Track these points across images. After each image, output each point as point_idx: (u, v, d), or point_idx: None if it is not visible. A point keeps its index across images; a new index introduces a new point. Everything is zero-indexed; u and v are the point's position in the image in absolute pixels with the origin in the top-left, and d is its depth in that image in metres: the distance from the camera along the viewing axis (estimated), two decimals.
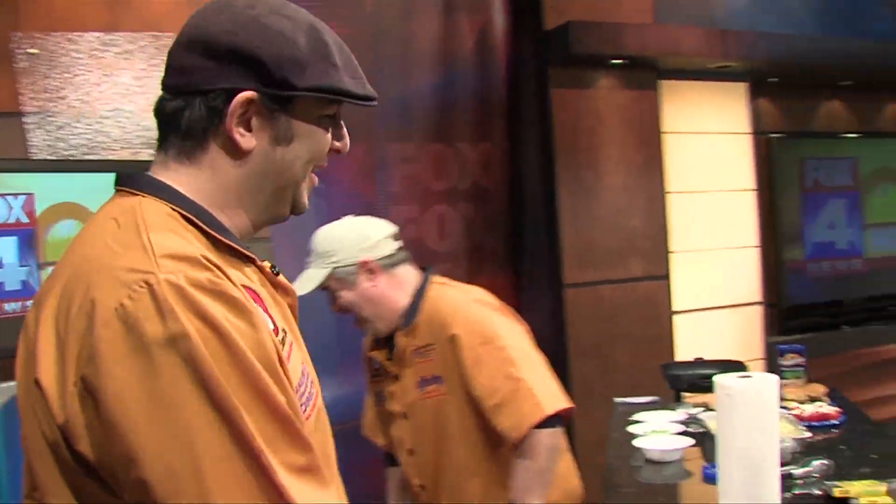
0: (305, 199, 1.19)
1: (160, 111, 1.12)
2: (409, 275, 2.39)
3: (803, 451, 2.41)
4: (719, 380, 2.05)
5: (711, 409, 2.91)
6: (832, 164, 5.82)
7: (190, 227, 1.06)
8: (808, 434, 2.62)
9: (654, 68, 4.95)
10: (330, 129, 1.17)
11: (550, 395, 2.22)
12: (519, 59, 4.74)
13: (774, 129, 5.61)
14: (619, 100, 4.88)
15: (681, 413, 2.94)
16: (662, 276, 5.06)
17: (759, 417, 1.99)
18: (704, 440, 2.65)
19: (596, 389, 4.57)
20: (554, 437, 2.22)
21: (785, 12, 5.44)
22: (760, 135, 5.50)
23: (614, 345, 4.84)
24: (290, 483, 0.94)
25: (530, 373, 2.24)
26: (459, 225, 4.47)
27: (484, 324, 2.29)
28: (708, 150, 5.28)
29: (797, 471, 2.23)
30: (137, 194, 1.08)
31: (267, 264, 1.17)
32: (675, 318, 5.12)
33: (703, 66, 5.04)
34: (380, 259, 2.34)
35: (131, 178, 1.10)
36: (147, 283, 0.94)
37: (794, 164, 5.67)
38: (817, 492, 2.12)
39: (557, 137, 4.70)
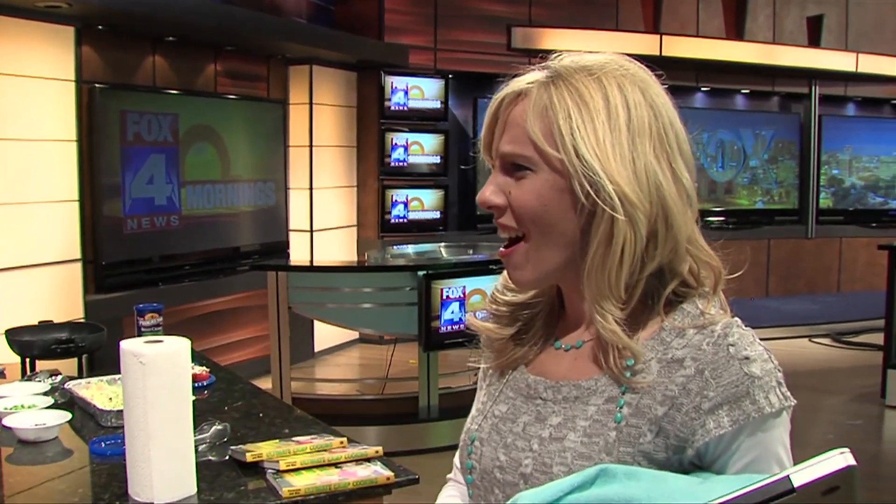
0: None
1: None
2: None
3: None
4: (127, 346, 1.89)
5: (73, 378, 2.69)
6: (153, 118, 5.81)
7: None
8: None
9: None
10: None
11: None
12: None
13: (99, 78, 5.39)
14: None
15: (44, 384, 2.63)
16: None
17: (175, 383, 1.89)
18: (77, 412, 2.42)
19: None
20: None
21: None
22: (84, 83, 5.24)
23: None
24: None
25: None
26: None
27: None
28: (32, 96, 4.86)
29: (196, 437, 2.14)
30: None
31: None
32: None
33: (31, 4, 4.60)
34: None
35: None
36: None
37: (116, 117, 5.52)
38: (227, 458, 2.06)
39: None
